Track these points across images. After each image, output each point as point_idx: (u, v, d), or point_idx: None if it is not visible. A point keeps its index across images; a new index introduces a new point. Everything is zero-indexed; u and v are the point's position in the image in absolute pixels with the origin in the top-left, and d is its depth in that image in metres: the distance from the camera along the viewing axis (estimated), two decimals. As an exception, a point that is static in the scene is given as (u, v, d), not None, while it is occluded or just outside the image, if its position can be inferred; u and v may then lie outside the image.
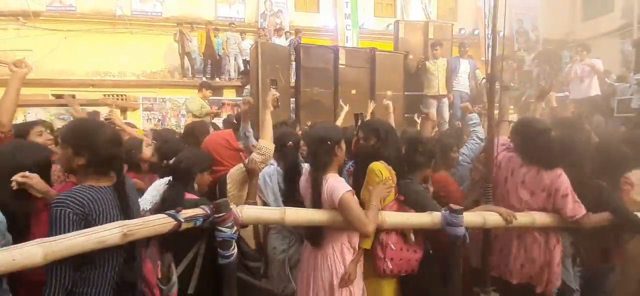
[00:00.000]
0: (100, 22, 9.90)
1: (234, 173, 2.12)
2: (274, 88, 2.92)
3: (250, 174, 2.03)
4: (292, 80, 5.79)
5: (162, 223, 1.44)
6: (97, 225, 1.26)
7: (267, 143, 2.09)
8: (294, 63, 6.00)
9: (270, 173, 2.28)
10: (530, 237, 2.02)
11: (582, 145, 2.20)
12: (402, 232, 1.88)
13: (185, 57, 9.55)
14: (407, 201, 1.94)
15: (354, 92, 5.38)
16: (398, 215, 1.84)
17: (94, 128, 1.37)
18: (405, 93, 5.83)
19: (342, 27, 10.84)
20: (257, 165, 2.04)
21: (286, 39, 9.45)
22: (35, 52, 9.20)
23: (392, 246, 1.84)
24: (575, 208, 1.92)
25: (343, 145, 1.83)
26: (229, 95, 9.25)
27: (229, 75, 9.58)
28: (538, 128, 2.04)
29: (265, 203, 2.24)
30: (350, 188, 1.69)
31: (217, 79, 9.25)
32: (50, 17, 9.57)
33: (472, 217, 1.88)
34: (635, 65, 7.17)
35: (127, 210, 1.39)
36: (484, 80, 5.62)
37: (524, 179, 2.03)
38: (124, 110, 8.31)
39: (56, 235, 1.18)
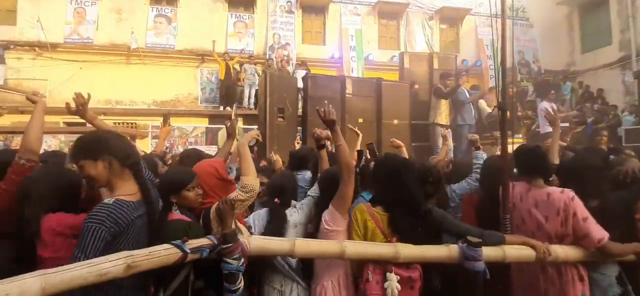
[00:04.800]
0: (115, 54, 10.24)
1: (215, 209, 1.82)
2: (257, 128, 2.73)
3: (224, 214, 1.66)
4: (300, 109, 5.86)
5: (168, 254, 1.38)
6: (121, 246, 1.29)
7: (251, 179, 1.83)
8: (301, 92, 6.09)
9: (260, 216, 2.11)
10: (556, 271, 1.89)
11: (598, 169, 2.11)
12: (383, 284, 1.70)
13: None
14: (439, 227, 1.89)
15: (361, 120, 5.39)
16: (413, 247, 1.74)
17: (99, 133, 1.56)
18: (412, 122, 5.83)
19: (347, 58, 11.08)
20: (237, 205, 1.72)
21: (293, 69, 9.64)
22: (50, 82, 9.50)
23: None
24: (601, 231, 1.79)
25: None
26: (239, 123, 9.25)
27: (244, 105, 9.64)
28: (531, 146, 2.23)
29: None
30: None
31: (229, 109, 9.39)
32: (67, 49, 9.93)
33: (491, 251, 1.76)
34: (639, 95, 7.22)
35: (158, 232, 1.45)
36: (495, 109, 5.61)
37: (536, 202, 1.95)
38: (133, 138, 8.38)
39: (84, 248, 1.21)
